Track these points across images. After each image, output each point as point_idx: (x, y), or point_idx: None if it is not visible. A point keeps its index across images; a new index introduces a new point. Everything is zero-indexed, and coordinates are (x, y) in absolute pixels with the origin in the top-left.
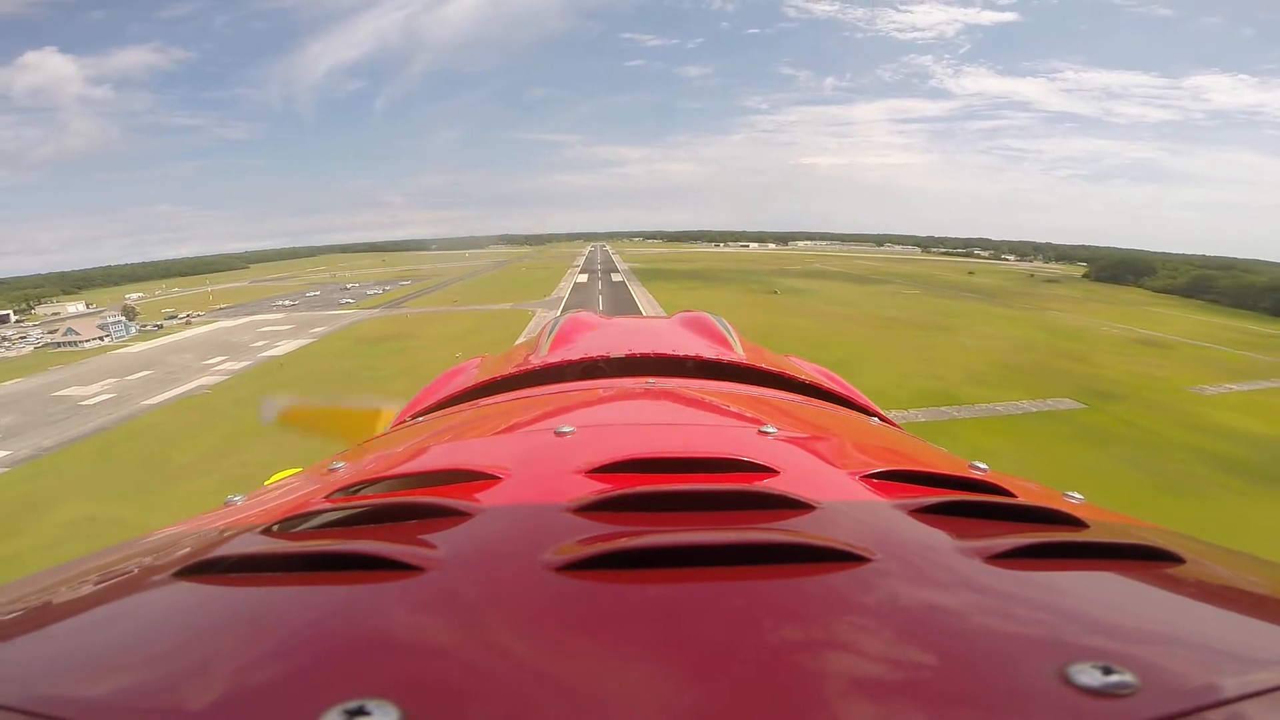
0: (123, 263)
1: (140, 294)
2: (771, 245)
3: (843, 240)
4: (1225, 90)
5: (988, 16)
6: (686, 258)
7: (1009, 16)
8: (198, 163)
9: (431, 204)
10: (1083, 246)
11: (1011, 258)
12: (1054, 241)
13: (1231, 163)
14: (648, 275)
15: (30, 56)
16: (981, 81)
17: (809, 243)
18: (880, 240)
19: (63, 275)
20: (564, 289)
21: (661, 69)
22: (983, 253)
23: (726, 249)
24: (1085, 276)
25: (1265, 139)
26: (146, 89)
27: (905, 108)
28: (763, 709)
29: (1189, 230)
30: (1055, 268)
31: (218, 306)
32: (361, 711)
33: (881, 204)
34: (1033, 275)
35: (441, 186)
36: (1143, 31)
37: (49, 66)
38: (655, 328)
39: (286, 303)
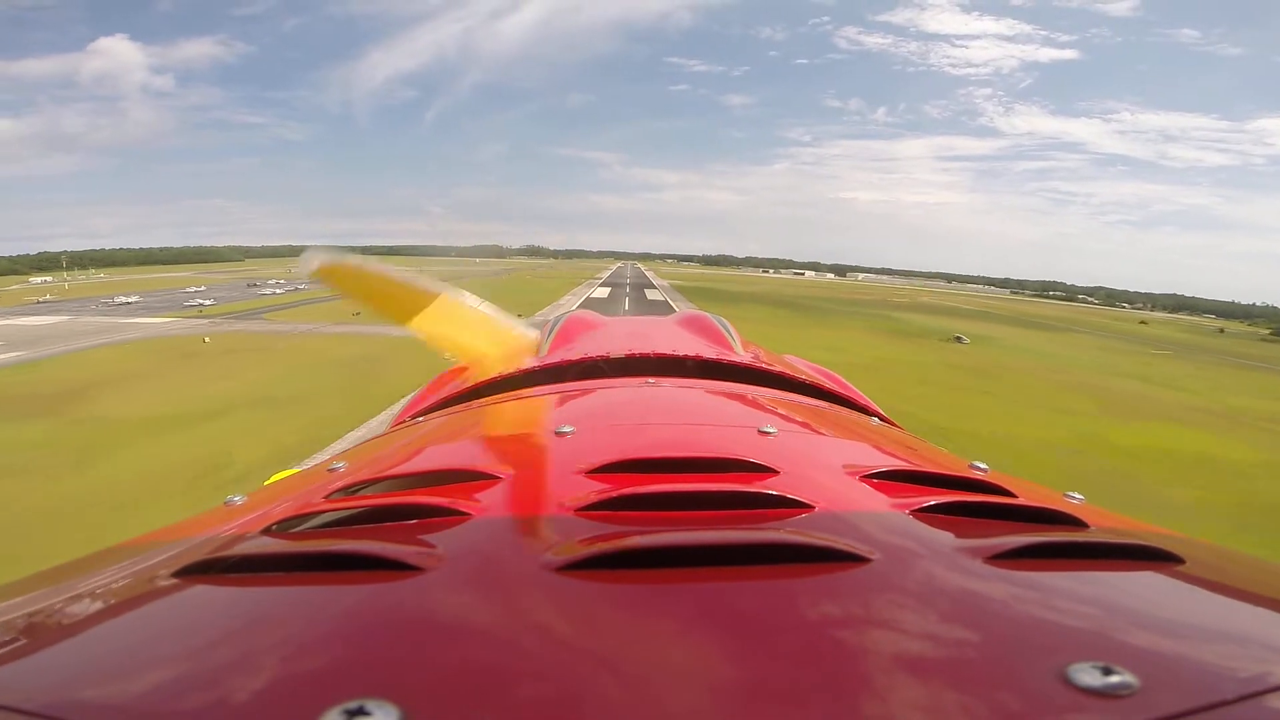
0: (126, 248)
1: (48, 278)
2: (829, 275)
3: (905, 276)
4: None
5: (1046, 54)
6: (739, 280)
7: (1069, 54)
8: (252, 160)
9: (470, 216)
10: (1172, 295)
11: (1125, 305)
12: (1125, 288)
13: None
14: (696, 295)
15: (103, 42)
16: (1033, 121)
17: (866, 275)
18: (949, 278)
19: (45, 255)
20: (568, 307)
21: (705, 95)
22: (1090, 299)
23: (777, 275)
24: (1273, 335)
25: None
26: (206, 81)
27: (951, 145)
28: (764, 708)
29: (1247, 280)
30: (1190, 319)
31: (41, 299)
32: (361, 711)
33: (921, 242)
34: (1223, 331)
35: (481, 199)
36: (1208, 71)
37: (118, 53)
38: (655, 328)
39: (131, 300)
